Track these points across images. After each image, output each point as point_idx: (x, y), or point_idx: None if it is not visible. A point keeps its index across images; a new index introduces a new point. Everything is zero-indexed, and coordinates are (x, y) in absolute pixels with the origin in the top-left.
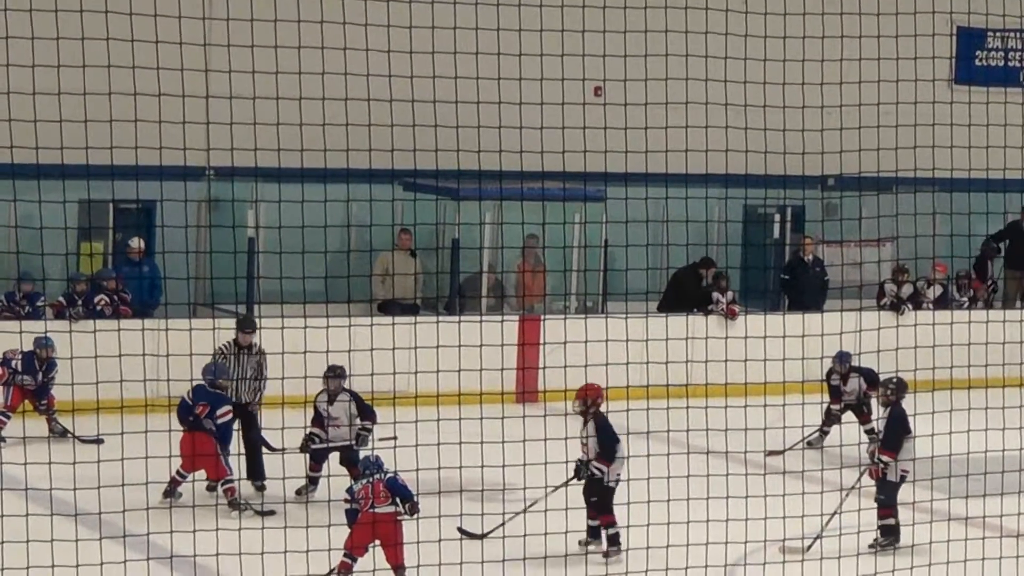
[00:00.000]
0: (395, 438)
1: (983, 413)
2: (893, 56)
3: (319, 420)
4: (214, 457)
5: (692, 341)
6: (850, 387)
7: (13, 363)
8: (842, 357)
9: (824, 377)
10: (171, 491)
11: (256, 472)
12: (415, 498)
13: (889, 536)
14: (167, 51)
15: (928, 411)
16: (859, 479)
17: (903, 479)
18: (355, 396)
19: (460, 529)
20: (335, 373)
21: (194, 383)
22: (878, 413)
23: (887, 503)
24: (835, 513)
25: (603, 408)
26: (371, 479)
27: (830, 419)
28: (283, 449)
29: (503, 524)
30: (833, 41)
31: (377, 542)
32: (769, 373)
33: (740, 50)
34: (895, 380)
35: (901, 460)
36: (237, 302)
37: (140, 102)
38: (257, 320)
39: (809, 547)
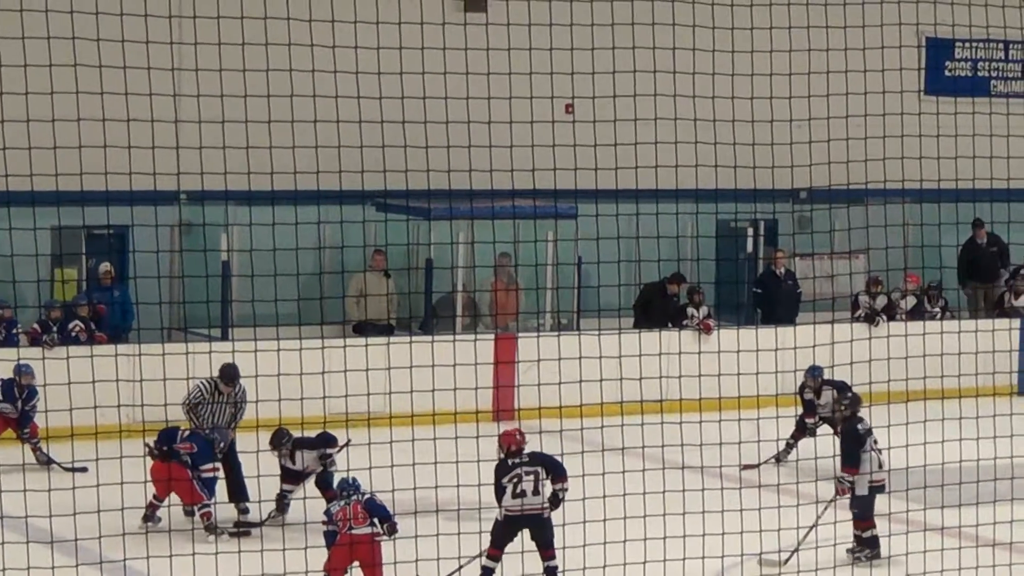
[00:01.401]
0: (348, 440)
1: (957, 423)
2: (862, 68)
3: (288, 473)
4: (188, 482)
5: (666, 356)
6: (824, 400)
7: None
8: (814, 371)
9: (797, 391)
10: (150, 516)
11: (239, 494)
12: (393, 518)
13: (868, 548)
14: (136, 76)
15: (903, 422)
16: (833, 498)
17: (875, 490)
18: (307, 441)
19: None
20: (285, 441)
21: (173, 407)
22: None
23: (862, 516)
24: (812, 527)
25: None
26: (349, 500)
27: (801, 431)
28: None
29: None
30: (801, 54)
31: (356, 564)
32: (743, 387)
33: (708, 65)
34: (848, 396)
35: (865, 473)
36: (211, 326)
37: (110, 128)
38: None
39: (786, 560)
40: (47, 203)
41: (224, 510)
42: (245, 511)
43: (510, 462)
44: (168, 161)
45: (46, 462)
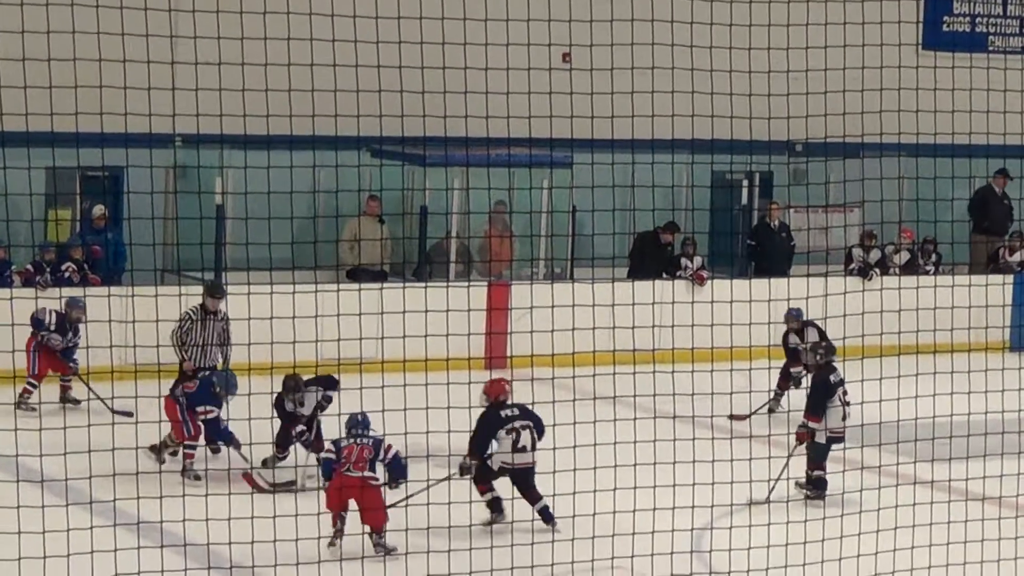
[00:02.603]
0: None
1: (948, 378)
2: (860, 21)
3: (291, 418)
4: (178, 422)
5: (660, 306)
6: (810, 338)
7: (46, 322)
8: (794, 313)
9: (781, 340)
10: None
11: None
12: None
13: (818, 489)
14: (132, 16)
15: (894, 375)
16: (795, 446)
17: (832, 440)
18: (317, 381)
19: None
20: (301, 386)
21: (166, 349)
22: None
23: (815, 461)
24: (779, 476)
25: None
26: (359, 441)
27: (786, 380)
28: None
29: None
30: (799, 6)
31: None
32: (736, 338)
33: (706, 15)
34: (823, 345)
35: (825, 429)
36: (204, 269)
37: (106, 68)
38: (225, 287)
39: (768, 498)
40: (42, 143)
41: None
42: (216, 450)
43: (503, 414)
44: (164, 103)
45: (73, 401)
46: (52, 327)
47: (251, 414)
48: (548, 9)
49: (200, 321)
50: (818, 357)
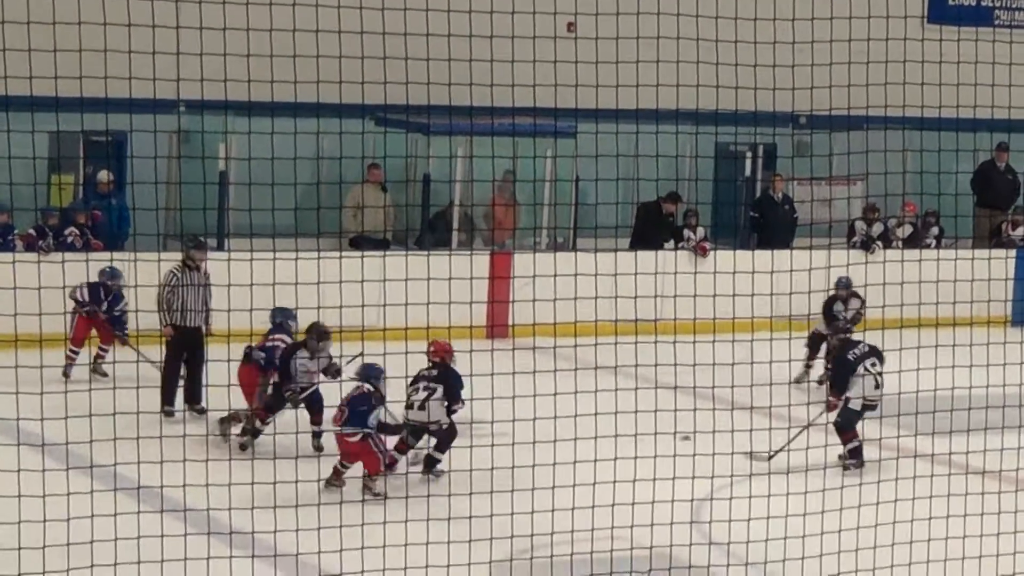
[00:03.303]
0: (361, 355)
1: (950, 351)
2: None
3: (287, 375)
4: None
5: (662, 277)
6: (851, 311)
7: (80, 299)
8: (844, 282)
9: (824, 307)
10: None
11: (196, 396)
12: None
13: (857, 457)
14: None
15: (896, 348)
16: (819, 414)
17: (866, 407)
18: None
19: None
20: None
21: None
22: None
23: (844, 428)
24: (804, 428)
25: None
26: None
27: (816, 350)
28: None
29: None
30: None
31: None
32: (738, 309)
33: None
34: (842, 322)
35: (863, 392)
36: (207, 234)
37: (110, 32)
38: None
39: (772, 456)
40: (45, 107)
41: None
42: (202, 411)
43: (421, 372)
44: (168, 68)
45: (101, 373)
46: (85, 300)
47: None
48: None
49: (187, 284)
50: (835, 336)
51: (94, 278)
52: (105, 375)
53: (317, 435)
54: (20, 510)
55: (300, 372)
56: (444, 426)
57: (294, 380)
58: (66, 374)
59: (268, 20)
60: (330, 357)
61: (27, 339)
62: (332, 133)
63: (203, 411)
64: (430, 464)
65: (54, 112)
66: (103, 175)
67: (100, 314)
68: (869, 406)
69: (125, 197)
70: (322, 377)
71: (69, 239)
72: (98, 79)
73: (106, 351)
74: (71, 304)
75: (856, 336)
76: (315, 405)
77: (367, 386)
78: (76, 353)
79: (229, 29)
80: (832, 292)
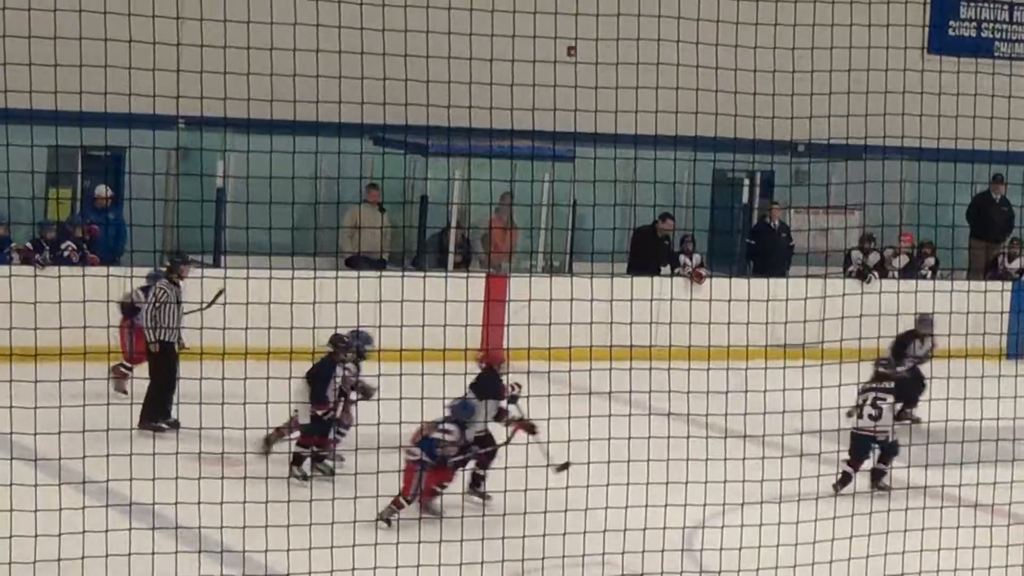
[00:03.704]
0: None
1: (944, 383)
2: (866, 23)
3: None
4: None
5: (657, 303)
6: (924, 349)
7: (134, 297)
8: (928, 320)
9: (895, 343)
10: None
11: (166, 411)
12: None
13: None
14: None
15: None
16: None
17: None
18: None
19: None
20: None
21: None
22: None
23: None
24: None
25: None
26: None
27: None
28: None
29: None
30: (806, 6)
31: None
32: (733, 337)
33: (712, 12)
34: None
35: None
36: (203, 251)
37: (111, 48)
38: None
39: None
40: (44, 121)
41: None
42: (175, 424)
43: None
44: (168, 84)
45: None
46: (142, 300)
47: (247, 399)
48: (555, 2)
49: (171, 301)
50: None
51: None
52: (126, 392)
53: (326, 457)
54: (11, 525)
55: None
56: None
57: (330, 399)
58: (124, 390)
59: (269, 39)
60: (357, 373)
61: (21, 353)
62: (331, 153)
63: (176, 424)
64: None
65: (53, 126)
66: (101, 190)
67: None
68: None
69: (121, 213)
70: (352, 395)
71: (66, 253)
72: (98, 95)
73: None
74: (115, 313)
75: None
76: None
77: (452, 428)
78: (130, 369)
79: (230, 47)
80: (911, 328)
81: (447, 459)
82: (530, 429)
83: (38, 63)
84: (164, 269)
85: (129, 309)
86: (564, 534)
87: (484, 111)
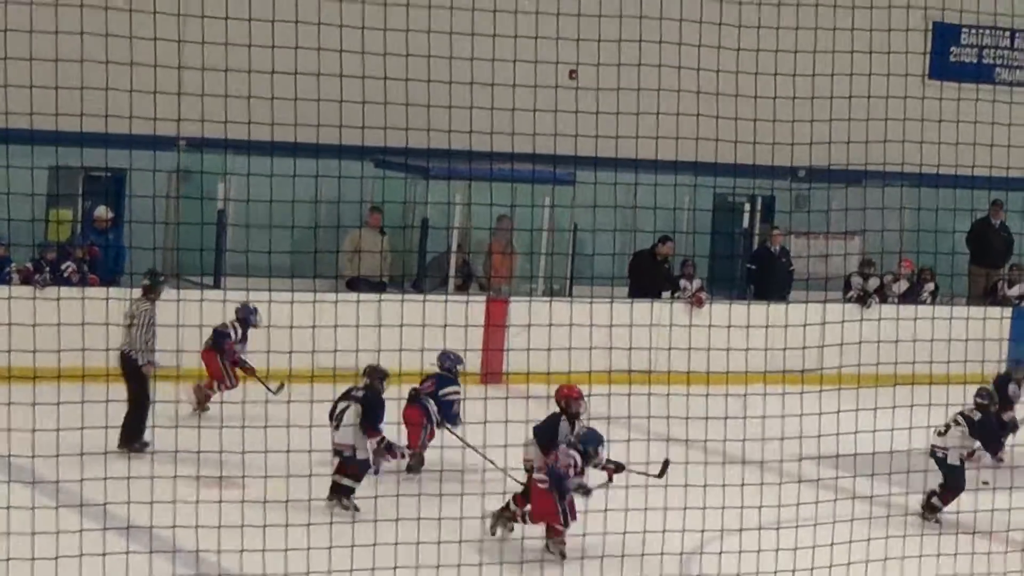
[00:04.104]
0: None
1: (943, 409)
2: (867, 50)
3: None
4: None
5: (657, 328)
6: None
7: (233, 336)
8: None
9: (997, 384)
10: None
11: (141, 432)
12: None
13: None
14: (140, 19)
15: (889, 406)
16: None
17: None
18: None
19: None
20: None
21: (162, 353)
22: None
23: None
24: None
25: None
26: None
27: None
28: None
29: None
30: (807, 33)
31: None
32: (733, 362)
33: (713, 38)
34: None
35: None
36: (203, 274)
37: (112, 70)
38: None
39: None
40: (46, 142)
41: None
42: (144, 446)
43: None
44: (169, 106)
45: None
46: (240, 337)
47: (243, 421)
48: (556, 27)
49: (156, 323)
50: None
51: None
52: (207, 409)
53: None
54: (9, 547)
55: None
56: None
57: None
58: (206, 407)
59: (270, 62)
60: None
61: (20, 374)
62: (331, 176)
63: (146, 446)
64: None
65: (54, 147)
66: (101, 211)
67: (236, 352)
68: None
69: (122, 234)
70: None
71: (66, 274)
72: (99, 116)
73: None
74: (206, 338)
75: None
76: (362, 466)
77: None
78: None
79: (231, 70)
80: (1006, 371)
81: (575, 487)
82: (618, 469)
83: (40, 84)
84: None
85: (221, 337)
86: (563, 559)
87: (485, 135)
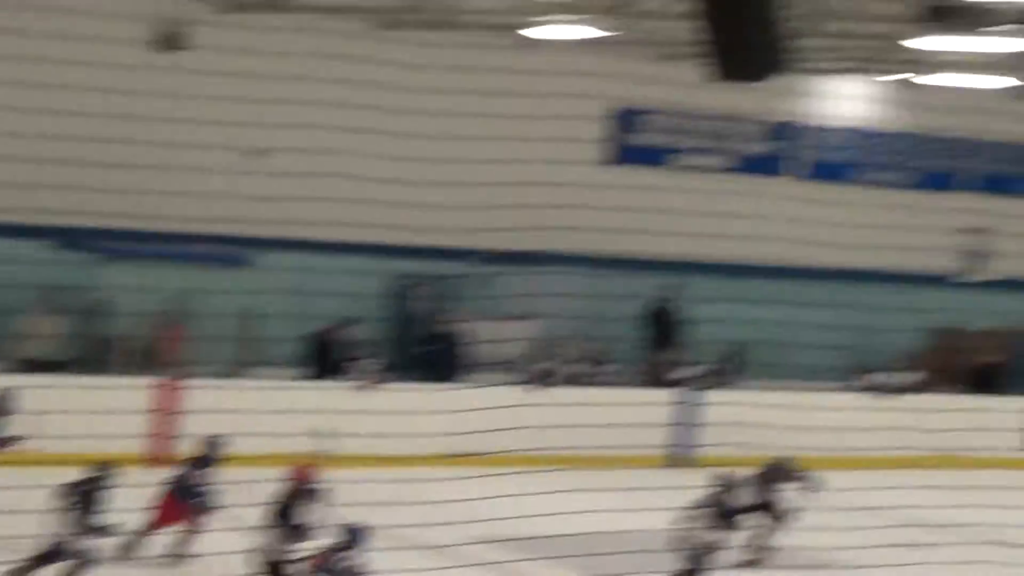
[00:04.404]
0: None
1: (628, 493)
2: (547, 136)
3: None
4: None
5: (334, 409)
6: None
7: None
8: None
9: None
10: None
11: None
12: None
13: None
14: None
15: (567, 488)
16: None
17: None
18: None
19: None
20: None
21: None
22: None
23: None
24: None
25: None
26: None
27: None
28: None
29: None
30: (490, 120)
31: None
32: (407, 446)
33: (401, 124)
34: None
35: None
36: None
37: None
38: None
39: None
40: None
41: None
42: None
43: None
44: None
45: None
46: None
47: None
48: (243, 109)
49: None
50: None
51: None
52: None
53: None
54: None
55: None
56: None
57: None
58: None
59: None
60: None
61: None
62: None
63: None
64: None
65: None
66: None
67: None
68: None
69: None
70: None
71: None
72: None
73: None
74: None
75: None
76: None
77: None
78: None
79: None
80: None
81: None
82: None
83: None
84: None
85: None
86: None
87: (161, 217)
